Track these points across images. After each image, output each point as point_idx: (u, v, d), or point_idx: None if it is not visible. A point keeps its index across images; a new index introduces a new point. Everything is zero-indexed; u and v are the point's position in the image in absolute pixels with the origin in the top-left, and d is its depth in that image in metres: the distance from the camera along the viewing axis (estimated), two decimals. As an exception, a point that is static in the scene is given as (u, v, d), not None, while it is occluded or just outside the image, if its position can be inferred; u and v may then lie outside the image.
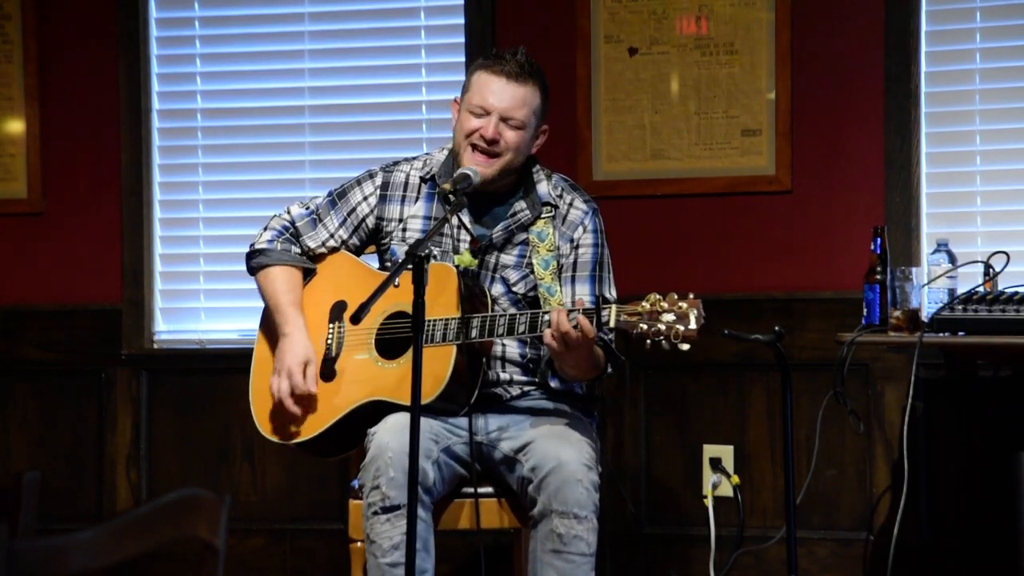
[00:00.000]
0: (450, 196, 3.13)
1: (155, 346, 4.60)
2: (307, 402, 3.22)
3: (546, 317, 2.99)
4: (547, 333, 2.95)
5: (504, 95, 3.21)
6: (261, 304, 3.43)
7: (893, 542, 3.39)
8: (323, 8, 4.53)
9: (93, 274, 4.61)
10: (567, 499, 3.00)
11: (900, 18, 4.09)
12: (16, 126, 4.64)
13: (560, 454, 3.03)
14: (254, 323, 3.39)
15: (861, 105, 4.15)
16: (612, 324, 2.93)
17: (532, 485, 3.05)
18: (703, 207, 4.25)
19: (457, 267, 3.17)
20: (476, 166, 3.19)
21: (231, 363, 4.41)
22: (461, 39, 4.38)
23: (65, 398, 4.62)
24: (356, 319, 2.87)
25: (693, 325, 2.89)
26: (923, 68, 4.12)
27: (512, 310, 3.23)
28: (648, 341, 2.91)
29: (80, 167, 4.62)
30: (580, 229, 3.28)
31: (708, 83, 4.22)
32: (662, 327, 2.90)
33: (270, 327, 3.35)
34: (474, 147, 3.21)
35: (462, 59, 4.37)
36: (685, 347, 2.90)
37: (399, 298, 3.08)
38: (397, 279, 2.92)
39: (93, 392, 4.59)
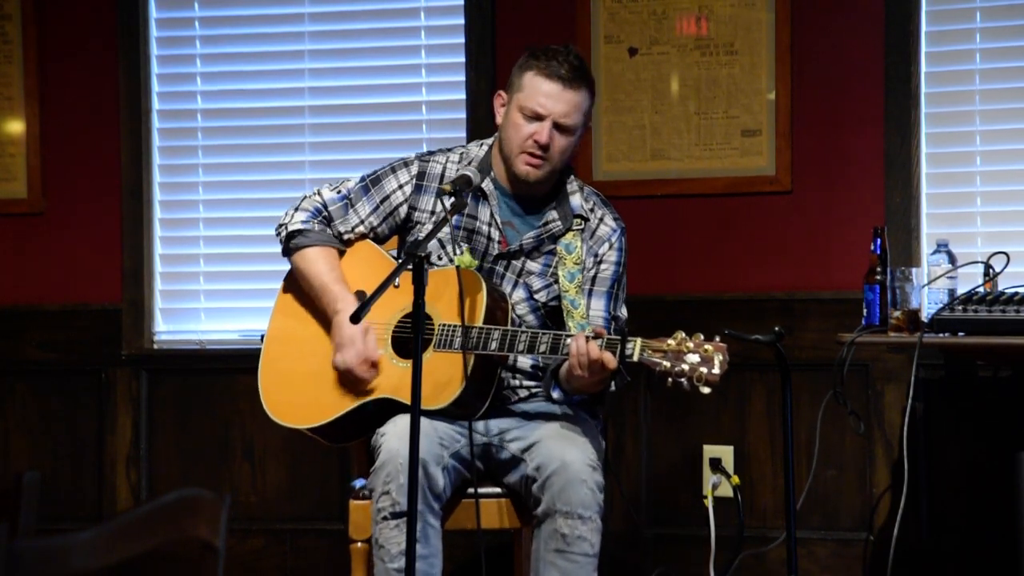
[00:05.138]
0: (449, 196, 3.11)
1: (155, 346, 4.59)
2: (340, 379, 3.20)
3: (568, 341, 2.97)
4: (572, 352, 2.94)
5: (559, 101, 3.17)
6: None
7: (893, 542, 3.39)
8: (323, 8, 4.53)
9: (93, 274, 4.61)
10: (571, 499, 3.00)
11: (900, 18, 4.09)
12: (16, 126, 4.63)
13: (565, 454, 3.03)
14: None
15: (861, 105, 4.15)
16: (636, 358, 2.92)
17: (536, 484, 3.05)
18: (703, 207, 4.25)
19: (458, 267, 3.16)
20: (528, 168, 3.18)
21: (231, 363, 4.42)
22: (461, 39, 4.38)
23: (65, 398, 4.62)
24: (356, 319, 2.86)
25: (717, 370, 2.88)
26: (923, 68, 4.12)
27: (531, 317, 3.24)
28: (670, 379, 2.89)
29: (80, 167, 4.62)
30: (607, 246, 3.27)
31: (708, 83, 4.22)
32: (685, 367, 2.88)
33: (289, 310, 3.32)
34: (528, 153, 3.19)
35: (462, 59, 4.37)
36: (706, 391, 2.88)
37: None
38: (397, 279, 2.92)
39: (93, 392, 4.59)
